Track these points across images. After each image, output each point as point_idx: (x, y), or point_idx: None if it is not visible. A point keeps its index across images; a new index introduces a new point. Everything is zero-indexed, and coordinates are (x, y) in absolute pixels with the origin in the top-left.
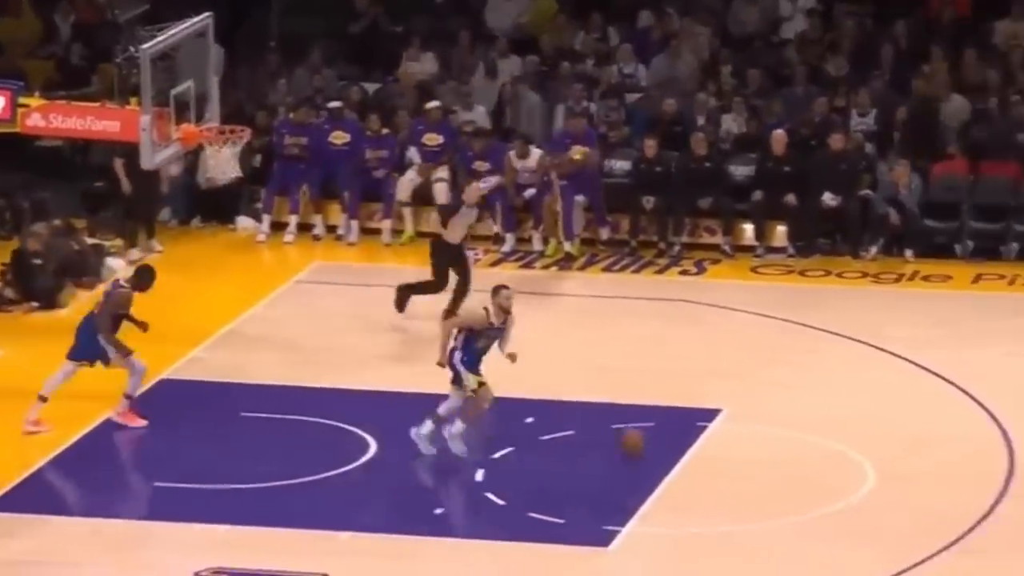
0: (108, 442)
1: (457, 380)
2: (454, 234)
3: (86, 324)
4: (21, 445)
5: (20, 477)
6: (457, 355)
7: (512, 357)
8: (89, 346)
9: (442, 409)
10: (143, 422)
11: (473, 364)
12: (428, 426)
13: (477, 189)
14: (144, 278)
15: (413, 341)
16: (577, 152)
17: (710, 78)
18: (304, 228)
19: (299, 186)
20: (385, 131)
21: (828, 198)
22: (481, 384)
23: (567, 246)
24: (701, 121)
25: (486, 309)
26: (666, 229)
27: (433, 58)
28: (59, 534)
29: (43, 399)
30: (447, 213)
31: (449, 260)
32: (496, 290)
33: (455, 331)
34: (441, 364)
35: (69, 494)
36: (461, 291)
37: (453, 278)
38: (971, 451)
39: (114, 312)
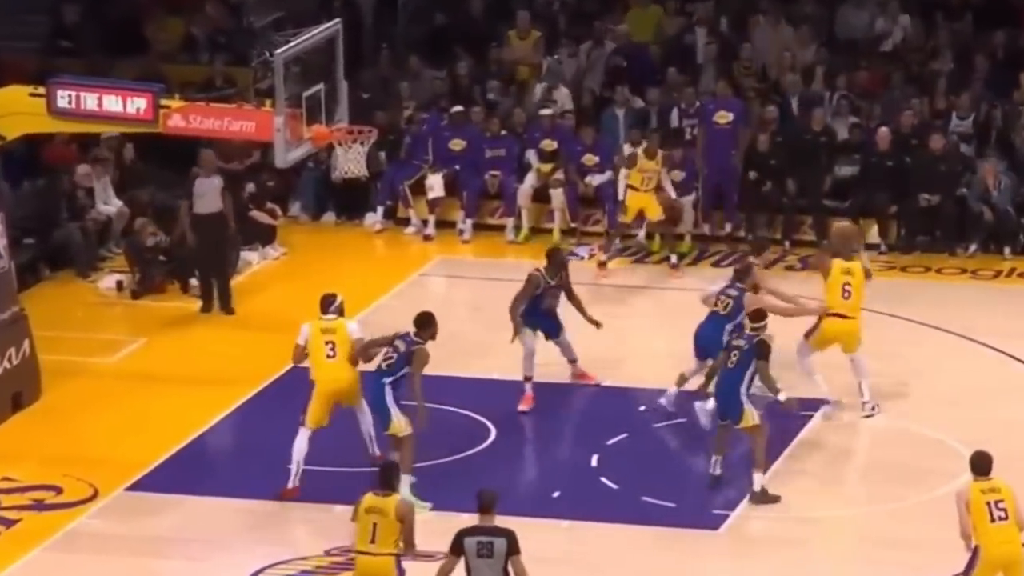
0: (244, 426)
1: None
2: None
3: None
4: (164, 428)
5: (162, 458)
6: None
7: None
8: None
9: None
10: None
11: None
12: (712, 403)
13: None
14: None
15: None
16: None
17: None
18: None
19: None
20: (503, 132)
21: (925, 198)
22: None
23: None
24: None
25: None
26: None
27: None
28: (200, 512)
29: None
30: None
31: None
32: None
33: None
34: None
35: (209, 475)
36: None
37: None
38: None
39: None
